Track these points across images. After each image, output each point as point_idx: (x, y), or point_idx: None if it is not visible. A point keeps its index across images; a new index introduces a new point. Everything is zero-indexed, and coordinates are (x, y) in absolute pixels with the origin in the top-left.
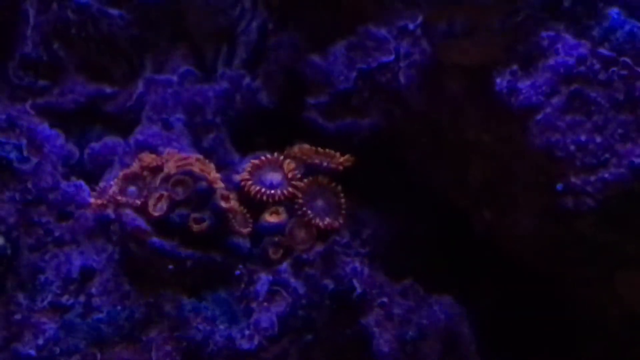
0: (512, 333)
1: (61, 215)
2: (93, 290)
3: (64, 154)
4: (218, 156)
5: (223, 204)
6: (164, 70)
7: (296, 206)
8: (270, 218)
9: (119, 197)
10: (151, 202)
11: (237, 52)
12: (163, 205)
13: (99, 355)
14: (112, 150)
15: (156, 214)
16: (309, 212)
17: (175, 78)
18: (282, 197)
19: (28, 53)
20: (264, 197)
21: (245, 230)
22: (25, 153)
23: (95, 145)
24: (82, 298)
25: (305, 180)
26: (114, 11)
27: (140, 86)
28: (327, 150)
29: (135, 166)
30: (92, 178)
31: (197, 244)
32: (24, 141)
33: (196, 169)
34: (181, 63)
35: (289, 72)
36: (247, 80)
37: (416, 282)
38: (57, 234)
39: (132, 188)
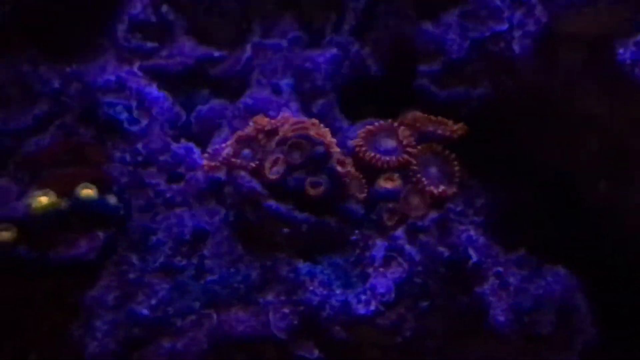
0: (626, 307)
1: (171, 177)
2: (205, 252)
3: (171, 117)
4: (327, 122)
5: (340, 169)
6: (271, 35)
7: (410, 173)
8: (385, 184)
9: (233, 160)
10: (267, 165)
11: (345, 19)
12: (279, 168)
13: (215, 316)
14: (219, 113)
15: (272, 177)
16: (423, 179)
17: (284, 43)
18: (397, 164)
19: (136, 15)
20: (379, 163)
21: (361, 196)
22: (135, 114)
23: (202, 108)
24: (194, 260)
25: (419, 147)
26: None
27: (248, 50)
28: (439, 118)
29: (249, 129)
30: (198, 140)
31: (311, 208)
32: (133, 102)
33: (313, 132)
34: (289, 28)
35: (397, 40)
36: (355, 47)
37: (528, 253)
38: (167, 195)
39: (246, 151)
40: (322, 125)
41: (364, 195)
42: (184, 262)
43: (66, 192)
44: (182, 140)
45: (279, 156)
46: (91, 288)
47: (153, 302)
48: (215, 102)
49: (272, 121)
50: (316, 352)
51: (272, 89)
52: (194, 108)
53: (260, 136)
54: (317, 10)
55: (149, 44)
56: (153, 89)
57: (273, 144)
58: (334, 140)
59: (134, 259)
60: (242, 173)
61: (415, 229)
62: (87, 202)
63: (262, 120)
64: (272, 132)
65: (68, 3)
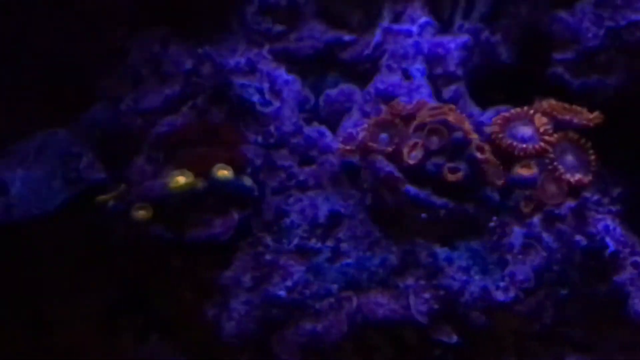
0: None
1: (303, 159)
2: (341, 235)
3: (300, 100)
4: (458, 108)
5: (479, 155)
6: (401, 20)
7: (547, 160)
8: (522, 171)
9: (370, 144)
10: (405, 150)
11: (475, 6)
12: (418, 153)
13: (355, 299)
14: (348, 97)
15: (411, 162)
16: (560, 167)
17: (415, 28)
18: (534, 152)
19: None
20: (516, 151)
21: (499, 182)
22: (267, 96)
23: (331, 91)
24: (329, 242)
25: (555, 135)
26: None
27: (377, 35)
28: (575, 106)
29: (385, 114)
30: (326, 124)
31: (449, 194)
32: (265, 85)
33: (451, 118)
34: (419, 13)
35: (528, 28)
36: (485, 34)
37: None
38: (300, 178)
39: (383, 135)
40: (458, 111)
41: (501, 182)
42: (319, 244)
43: (202, 172)
44: (315, 124)
45: (417, 141)
46: (225, 268)
47: (289, 283)
48: (344, 86)
49: (409, 106)
50: (455, 337)
51: (403, 74)
52: (321, 91)
53: (397, 121)
54: None
55: (278, 27)
56: (282, 72)
57: (410, 129)
58: (471, 126)
59: (269, 240)
60: (379, 157)
61: (552, 217)
62: (223, 183)
63: (398, 105)
64: (408, 117)
65: None
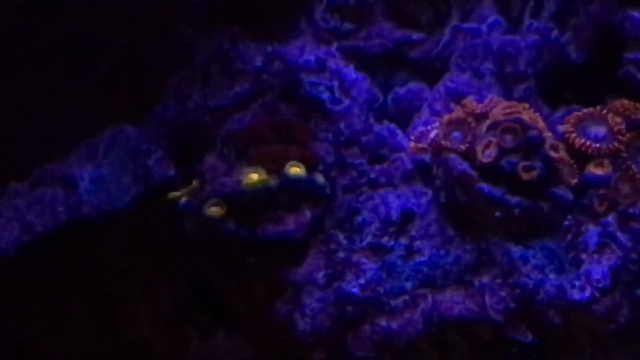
0: None
1: (374, 157)
2: (414, 233)
3: (369, 98)
4: None
5: (553, 154)
6: (469, 19)
7: (620, 160)
8: (595, 170)
9: (443, 142)
10: (479, 149)
11: (544, 5)
12: (492, 151)
13: (430, 297)
14: (417, 96)
15: (485, 160)
16: (634, 166)
17: (484, 27)
18: (608, 151)
19: None
20: (590, 150)
21: (573, 181)
22: (336, 94)
23: (399, 90)
24: (402, 240)
25: (628, 134)
26: None
27: (446, 34)
28: None
29: (458, 112)
30: (396, 122)
31: (523, 192)
32: (335, 82)
33: (525, 117)
34: (488, 13)
35: (598, 27)
36: (555, 33)
37: None
38: (371, 175)
39: (456, 133)
40: (532, 109)
41: (575, 180)
42: (392, 242)
43: (274, 169)
44: (385, 122)
45: (491, 139)
46: (298, 266)
47: (362, 281)
48: (413, 85)
49: (481, 105)
50: (530, 336)
51: (473, 73)
52: (390, 90)
53: (470, 119)
54: None
55: (347, 25)
56: (351, 70)
57: (484, 127)
58: (545, 124)
59: (341, 237)
60: (453, 155)
61: (626, 216)
62: (296, 181)
63: (471, 104)
64: (482, 116)
65: None
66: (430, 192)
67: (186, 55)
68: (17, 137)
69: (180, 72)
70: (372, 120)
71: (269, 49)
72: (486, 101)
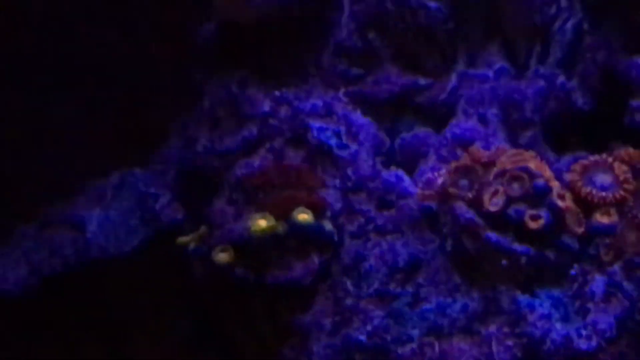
0: None
1: (381, 203)
2: (421, 280)
3: (376, 143)
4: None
5: (559, 203)
6: (476, 64)
7: (626, 208)
8: (601, 219)
9: (450, 189)
10: (486, 197)
11: (551, 51)
12: (499, 200)
13: (437, 345)
14: (424, 141)
15: (492, 208)
16: None
17: (490, 73)
18: (614, 200)
19: (343, 40)
20: (595, 199)
21: (580, 230)
22: (344, 140)
23: (406, 135)
24: (409, 287)
25: (634, 183)
26: (432, 3)
27: (453, 79)
28: None
29: (465, 159)
30: (402, 167)
31: (530, 241)
32: (342, 128)
33: (532, 165)
34: (495, 58)
35: (605, 73)
36: (561, 79)
37: None
38: (379, 222)
39: (463, 181)
40: (538, 157)
41: (582, 229)
42: (399, 289)
43: (282, 215)
44: (392, 167)
45: (498, 188)
46: (306, 311)
47: (369, 328)
48: (420, 130)
49: (488, 152)
50: None
51: (479, 118)
52: (396, 134)
53: (477, 167)
54: (522, 40)
55: (354, 70)
56: (358, 115)
57: (491, 175)
58: (551, 173)
59: (348, 284)
60: (460, 203)
61: (632, 266)
62: (304, 227)
63: (478, 152)
64: (489, 164)
65: (278, 27)
66: (437, 239)
67: (194, 96)
68: (25, 178)
69: (188, 111)
70: (379, 166)
71: (277, 93)
72: (493, 149)
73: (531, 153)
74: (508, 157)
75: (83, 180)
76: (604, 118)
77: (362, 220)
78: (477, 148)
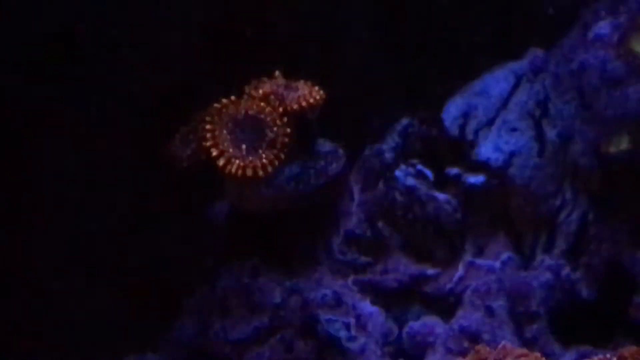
0: None
1: None
2: None
3: (384, 332)
4: (539, 346)
5: None
6: (483, 254)
7: None
8: None
9: None
10: None
11: (556, 241)
12: None
13: None
14: (431, 330)
15: None
16: None
17: (497, 264)
18: None
19: (352, 229)
20: None
21: None
22: (353, 331)
23: (414, 324)
24: None
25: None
26: (440, 195)
27: (460, 269)
28: None
29: (472, 356)
30: (410, 357)
31: None
32: (351, 319)
33: None
34: (501, 248)
35: (610, 266)
36: (566, 270)
37: None
38: None
39: None
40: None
41: None
42: None
43: None
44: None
45: None
46: None
47: None
48: (427, 319)
49: (495, 352)
50: None
51: (486, 310)
52: (404, 322)
53: None
54: (529, 231)
55: (363, 259)
56: (367, 304)
57: None
58: None
59: None
60: None
61: None
62: None
63: (484, 350)
64: None
65: (289, 216)
66: None
67: (207, 280)
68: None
69: (200, 296)
70: (387, 357)
71: (288, 283)
72: (499, 347)
73: (537, 355)
74: (514, 359)
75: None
76: (609, 310)
77: None
78: (483, 347)
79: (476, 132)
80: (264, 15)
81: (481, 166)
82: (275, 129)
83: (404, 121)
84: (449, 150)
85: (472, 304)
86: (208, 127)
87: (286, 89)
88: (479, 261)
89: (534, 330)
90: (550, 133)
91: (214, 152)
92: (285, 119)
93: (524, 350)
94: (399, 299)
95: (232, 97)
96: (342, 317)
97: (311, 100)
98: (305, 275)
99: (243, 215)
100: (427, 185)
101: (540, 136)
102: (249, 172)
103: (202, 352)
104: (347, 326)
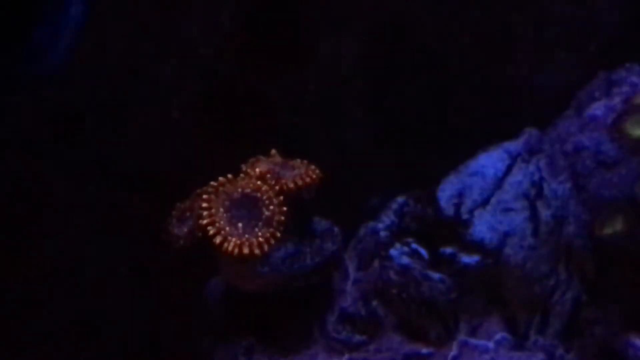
0: None
1: None
2: None
3: None
4: None
5: None
6: (477, 334)
7: None
8: None
9: None
10: None
11: (550, 322)
12: None
13: None
14: None
15: None
16: None
17: (491, 344)
18: None
19: (347, 307)
20: None
21: None
22: None
23: None
24: None
25: None
26: (435, 274)
27: (454, 349)
28: None
29: None
30: None
31: None
32: None
33: None
34: (495, 328)
35: (603, 350)
36: (560, 351)
37: None
38: None
39: None
40: None
41: None
42: None
43: None
44: None
45: None
46: None
47: None
48: None
49: None
50: None
51: None
52: None
53: None
54: (523, 311)
55: (358, 337)
56: None
57: None
58: None
59: None
60: None
61: None
62: None
63: None
64: None
65: (285, 295)
66: None
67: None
68: None
69: None
70: None
71: None
72: None
73: None
74: None
75: None
76: None
77: None
78: None
79: (471, 212)
80: (264, 93)
81: (476, 246)
82: (271, 207)
83: (400, 200)
84: (444, 230)
85: None
86: (205, 205)
87: (282, 168)
88: (473, 341)
89: None
90: (545, 214)
91: (211, 230)
92: (281, 198)
93: None
94: None
95: (229, 176)
96: None
97: (307, 180)
98: (300, 353)
99: (238, 293)
100: (421, 264)
101: (534, 217)
102: (246, 250)
103: None
104: None
